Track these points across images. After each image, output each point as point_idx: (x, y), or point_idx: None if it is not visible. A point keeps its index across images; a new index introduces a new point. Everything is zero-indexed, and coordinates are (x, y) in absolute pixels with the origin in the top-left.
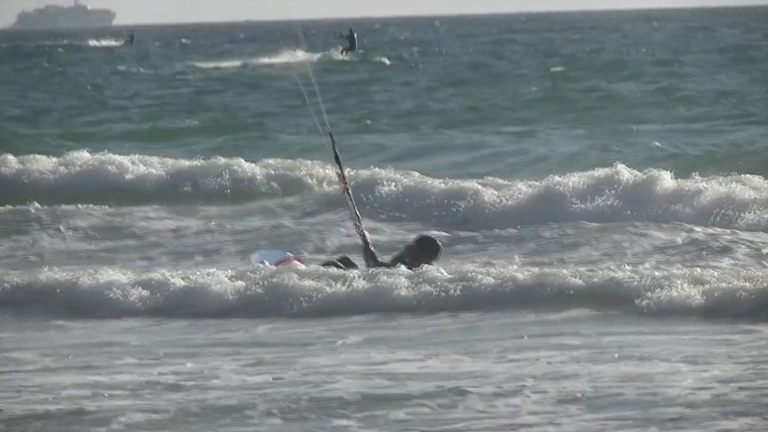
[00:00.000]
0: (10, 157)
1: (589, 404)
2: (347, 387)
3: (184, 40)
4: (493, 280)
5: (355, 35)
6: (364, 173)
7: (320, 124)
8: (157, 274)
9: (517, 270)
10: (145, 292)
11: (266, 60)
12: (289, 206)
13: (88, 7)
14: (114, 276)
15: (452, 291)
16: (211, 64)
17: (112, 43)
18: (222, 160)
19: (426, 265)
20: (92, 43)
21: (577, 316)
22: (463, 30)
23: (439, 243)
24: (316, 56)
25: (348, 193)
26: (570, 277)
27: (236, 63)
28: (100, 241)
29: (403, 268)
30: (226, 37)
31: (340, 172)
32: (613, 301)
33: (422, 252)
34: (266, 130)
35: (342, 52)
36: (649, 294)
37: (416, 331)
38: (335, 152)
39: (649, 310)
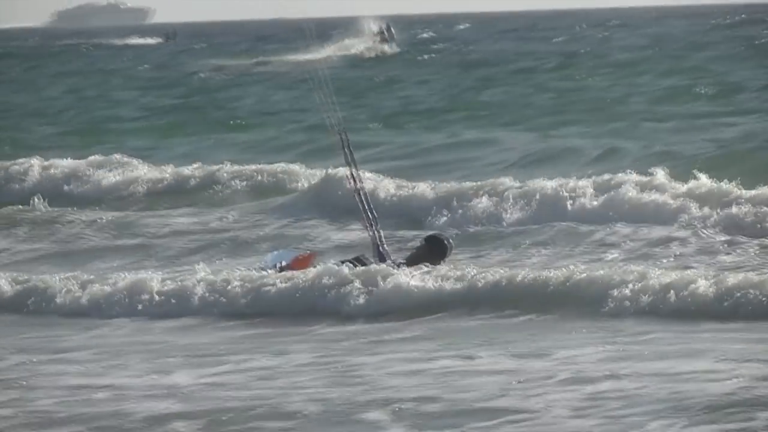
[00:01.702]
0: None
1: (624, 402)
2: None
3: (217, 39)
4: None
5: (393, 30)
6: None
7: (333, 124)
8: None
9: (547, 270)
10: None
11: (292, 57)
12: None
13: (124, 5)
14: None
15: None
16: (232, 62)
17: (149, 41)
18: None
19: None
20: (128, 41)
21: (609, 312)
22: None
23: (448, 241)
24: (359, 48)
25: (361, 193)
26: (596, 274)
27: (265, 59)
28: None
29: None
30: (250, 35)
31: (352, 172)
32: (641, 299)
33: (433, 251)
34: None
35: (380, 39)
36: (681, 293)
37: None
38: (346, 152)
39: (680, 309)
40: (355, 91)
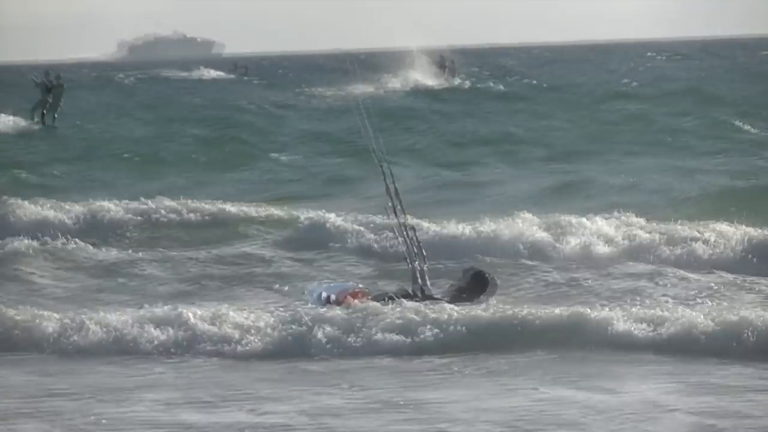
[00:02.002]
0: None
1: None
2: None
3: (282, 70)
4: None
5: (450, 62)
6: None
7: (376, 156)
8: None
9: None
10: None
11: (350, 88)
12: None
13: (193, 37)
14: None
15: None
16: (285, 94)
17: (221, 74)
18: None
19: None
20: (197, 74)
21: (672, 349)
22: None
23: (493, 278)
24: (420, 80)
25: (403, 226)
26: (653, 311)
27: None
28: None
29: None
30: (309, 67)
31: (393, 204)
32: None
33: (477, 287)
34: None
35: (444, 72)
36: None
37: None
38: (386, 184)
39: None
40: (407, 121)
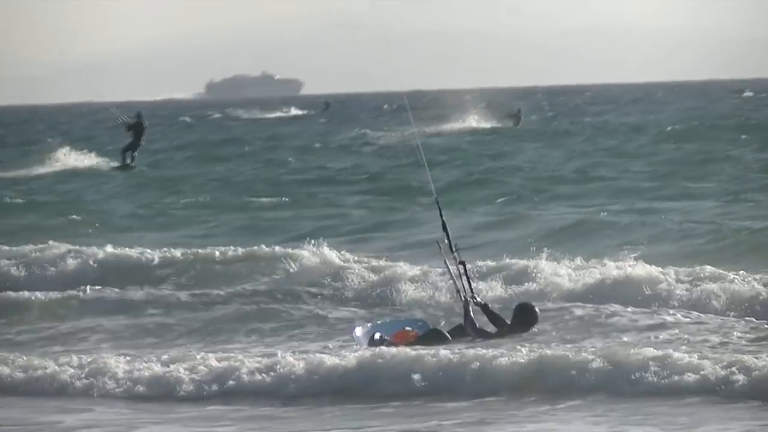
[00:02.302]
0: None
1: None
2: None
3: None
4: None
5: (522, 112)
6: None
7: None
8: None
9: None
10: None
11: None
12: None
13: (276, 77)
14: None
15: None
16: (351, 133)
17: (303, 112)
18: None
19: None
20: (280, 113)
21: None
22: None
23: (537, 310)
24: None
25: (455, 260)
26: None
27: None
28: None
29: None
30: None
31: (446, 240)
32: None
33: (523, 319)
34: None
35: (513, 120)
36: None
37: None
38: (443, 220)
39: None
40: (458, 159)
